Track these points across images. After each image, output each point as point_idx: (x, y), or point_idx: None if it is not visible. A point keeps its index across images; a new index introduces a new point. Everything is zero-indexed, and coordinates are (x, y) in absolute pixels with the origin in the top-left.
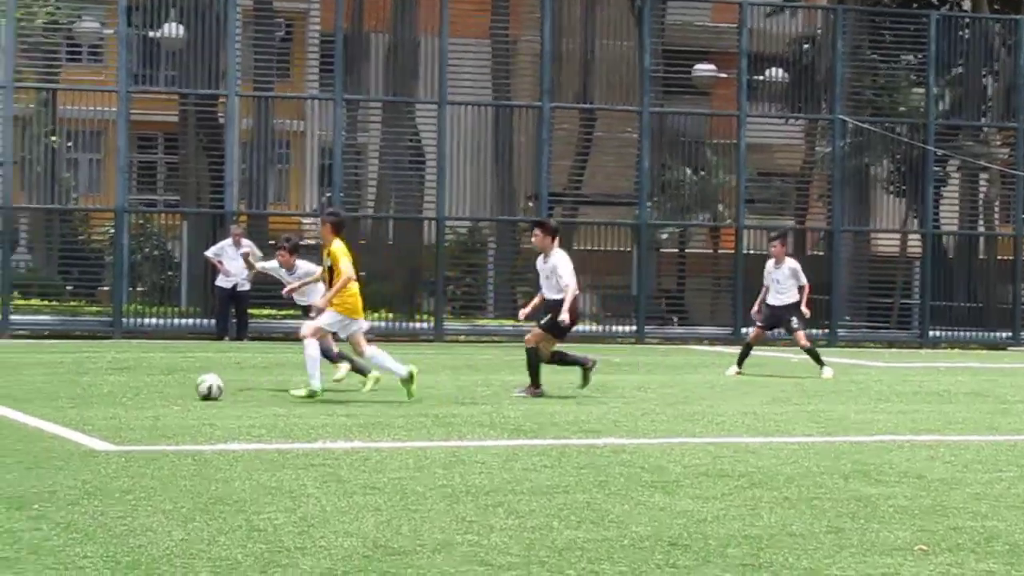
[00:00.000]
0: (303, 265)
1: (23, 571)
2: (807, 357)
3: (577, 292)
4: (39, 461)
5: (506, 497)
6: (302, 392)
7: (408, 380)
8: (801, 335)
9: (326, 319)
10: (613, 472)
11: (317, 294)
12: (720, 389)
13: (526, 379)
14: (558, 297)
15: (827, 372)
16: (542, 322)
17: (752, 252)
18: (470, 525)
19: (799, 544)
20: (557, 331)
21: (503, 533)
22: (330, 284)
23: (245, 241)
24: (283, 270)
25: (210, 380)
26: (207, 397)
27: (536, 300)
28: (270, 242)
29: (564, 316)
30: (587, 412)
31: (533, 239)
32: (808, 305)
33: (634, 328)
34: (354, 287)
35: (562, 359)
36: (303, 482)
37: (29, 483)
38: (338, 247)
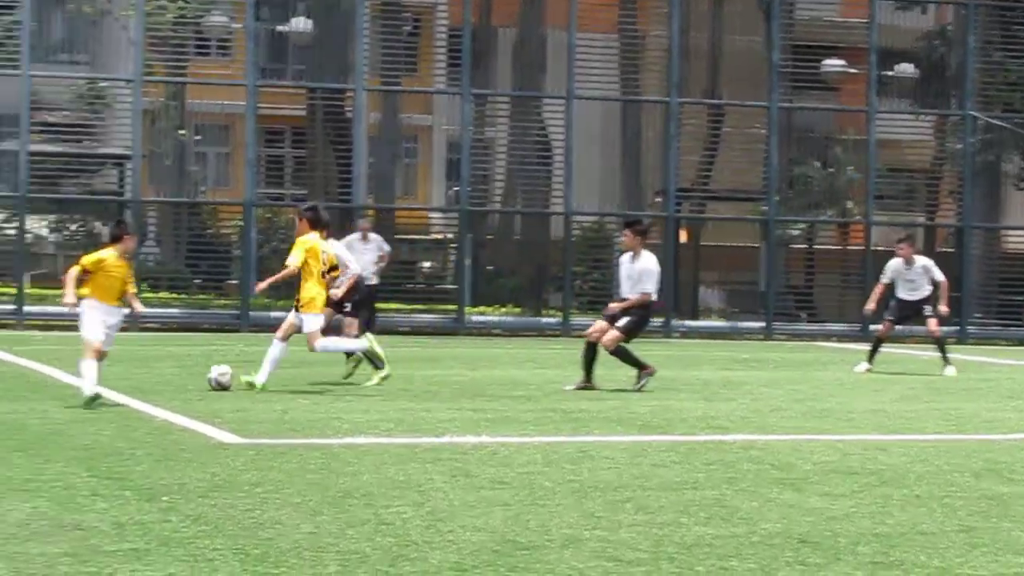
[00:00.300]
0: (374, 239)
1: (153, 563)
2: (934, 354)
3: (650, 300)
4: (168, 454)
5: (634, 493)
6: (375, 379)
7: (250, 387)
8: (934, 322)
9: (315, 323)
10: (742, 468)
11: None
12: (850, 386)
13: (629, 370)
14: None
15: (950, 371)
16: (620, 324)
17: (881, 248)
18: (598, 520)
19: (930, 543)
20: (634, 333)
21: (631, 529)
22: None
23: (373, 235)
24: (357, 244)
25: (218, 371)
26: (220, 387)
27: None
28: (396, 236)
29: (611, 305)
30: (715, 408)
31: (624, 239)
32: (947, 304)
33: (762, 324)
34: (317, 281)
35: (625, 356)
36: (431, 476)
37: (159, 475)
38: (303, 239)
